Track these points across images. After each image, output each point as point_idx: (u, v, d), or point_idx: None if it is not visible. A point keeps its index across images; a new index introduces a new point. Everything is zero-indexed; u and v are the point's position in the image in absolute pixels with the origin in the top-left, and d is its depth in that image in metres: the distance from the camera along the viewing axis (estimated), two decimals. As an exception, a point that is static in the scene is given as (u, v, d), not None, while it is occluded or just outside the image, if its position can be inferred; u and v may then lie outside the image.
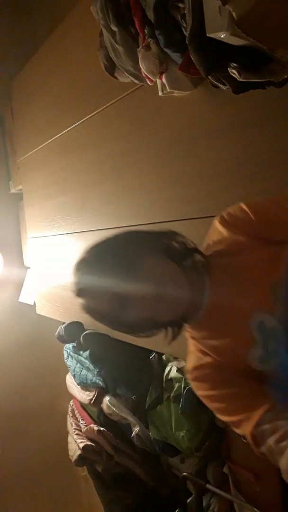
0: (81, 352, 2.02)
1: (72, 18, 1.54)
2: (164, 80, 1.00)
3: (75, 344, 2.02)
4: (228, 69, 0.77)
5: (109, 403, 1.85)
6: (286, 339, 0.70)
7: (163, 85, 1.03)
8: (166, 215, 1.24)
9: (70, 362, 2.14)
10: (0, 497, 2.44)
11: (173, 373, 1.52)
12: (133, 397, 1.73)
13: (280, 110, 0.89)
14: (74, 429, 2.08)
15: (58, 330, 1.90)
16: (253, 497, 1.20)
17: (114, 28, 1.01)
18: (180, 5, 0.81)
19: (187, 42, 0.76)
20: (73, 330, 1.87)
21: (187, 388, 1.40)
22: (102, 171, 1.52)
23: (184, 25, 0.82)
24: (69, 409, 2.25)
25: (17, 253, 2.58)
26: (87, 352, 1.96)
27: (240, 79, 0.76)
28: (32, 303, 2.32)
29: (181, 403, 1.40)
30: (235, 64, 0.75)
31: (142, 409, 1.66)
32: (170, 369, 1.55)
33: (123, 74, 1.12)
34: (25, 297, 2.44)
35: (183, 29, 0.83)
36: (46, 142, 1.89)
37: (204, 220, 1.08)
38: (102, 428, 1.91)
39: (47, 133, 1.86)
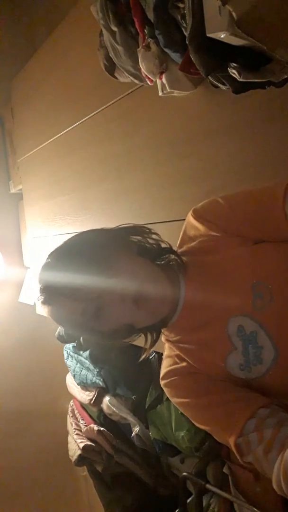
0: (81, 352, 2.02)
1: (72, 18, 1.54)
2: (164, 80, 1.00)
3: (75, 344, 2.02)
4: (228, 69, 0.77)
5: (109, 403, 1.85)
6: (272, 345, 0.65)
7: (163, 85, 1.03)
8: (166, 215, 1.24)
9: (70, 362, 2.14)
10: (0, 497, 2.44)
11: (173, 373, 1.52)
12: (133, 397, 1.73)
13: (280, 110, 0.89)
14: (74, 429, 2.08)
15: (58, 330, 1.90)
16: (253, 497, 1.20)
17: (114, 28, 1.01)
18: (180, 5, 0.81)
19: (187, 42, 0.76)
20: (73, 330, 1.87)
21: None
22: (102, 171, 1.52)
23: (184, 25, 0.82)
24: (69, 409, 2.25)
25: (17, 253, 2.58)
26: (87, 352, 1.96)
27: (240, 79, 0.76)
28: (32, 303, 2.32)
29: (181, 403, 1.40)
30: (235, 64, 0.75)
31: (142, 409, 1.66)
32: (170, 369, 1.55)
33: (123, 74, 1.12)
34: (25, 297, 2.44)
35: (183, 29, 0.83)
36: (46, 142, 1.89)
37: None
38: (102, 428, 1.91)
39: (47, 133, 1.86)
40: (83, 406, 2.16)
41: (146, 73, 0.99)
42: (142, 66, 0.98)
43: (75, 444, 1.98)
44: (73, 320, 0.67)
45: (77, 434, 2.04)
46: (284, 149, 0.89)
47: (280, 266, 0.67)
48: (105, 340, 0.75)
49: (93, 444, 1.90)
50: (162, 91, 1.05)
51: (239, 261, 0.69)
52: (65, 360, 2.20)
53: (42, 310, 0.69)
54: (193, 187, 1.14)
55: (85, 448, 1.90)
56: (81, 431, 2.05)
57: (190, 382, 0.70)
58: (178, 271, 0.72)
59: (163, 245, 0.76)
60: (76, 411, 2.19)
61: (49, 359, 2.49)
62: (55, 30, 1.67)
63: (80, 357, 2.07)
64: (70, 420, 2.18)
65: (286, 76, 0.76)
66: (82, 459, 1.94)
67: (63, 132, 1.73)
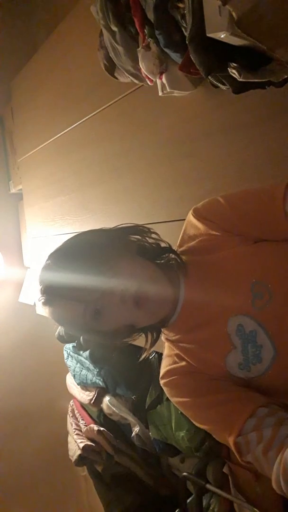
0: (81, 352, 2.02)
1: (72, 18, 1.54)
2: (164, 80, 1.00)
3: (75, 344, 2.02)
4: (228, 69, 0.77)
5: (109, 403, 1.85)
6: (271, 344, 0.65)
7: (163, 85, 1.03)
8: (166, 215, 1.24)
9: (70, 362, 2.15)
10: (0, 497, 2.44)
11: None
12: (133, 397, 1.73)
13: (280, 110, 0.89)
14: (74, 429, 2.08)
15: (58, 330, 1.90)
16: (253, 497, 1.20)
17: (114, 28, 1.01)
18: (180, 5, 0.81)
19: (187, 42, 0.76)
20: (73, 330, 1.87)
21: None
22: (102, 171, 1.52)
23: (184, 25, 0.82)
24: (69, 409, 2.25)
25: (17, 253, 2.58)
26: (87, 352, 1.96)
27: (240, 79, 0.76)
28: (32, 303, 2.32)
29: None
30: (235, 64, 0.75)
31: (142, 409, 1.66)
32: (170, 369, 1.55)
33: (123, 74, 1.12)
34: (25, 297, 2.44)
35: (183, 29, 0.83)
36: (46, 142, 1.89)
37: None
38: (102, 428, 1.91)
39: (47, 133, 1.86)
40: (83, 406, 2.16)
41: (146, 73, 0.99)
42: (142, 66, 0.98)
43: (75, 444, 1.98)
44: (74, 321, 0.67)
45: (77, 434, 2.04)
46: (284, 149, 0.89)
47: (280, 265, 0.67)
48: (105, 340, 0.75)
49: (93, 444, 1.90)
50: (162, 91, 1.05)
51: (239, 260, 0.69)
52: (65, 360, 2.20)
53: (43, 311, 0.69)
54: (193, 187, 1.14)
55: (85, 448, 1.91)
56: (81, 431, 2.05)
57: (190, 382, 0.70)
58: (177, 271, 0.72)
59: (162, 245, 0.76)
60: (76, 411, 2.19)
61: (49, 359, 2.49)
62: (55, 30, 1.67)
63: (80, 357, 2.07)
64: (70, 420, 2.18)
65: (286, 76, 0.76)
66: (82, 459, 1.94)
67: (63, 132, 1.73)
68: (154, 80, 1.02)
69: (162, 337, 0.77)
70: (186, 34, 0.78)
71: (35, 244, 2.21)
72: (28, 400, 2.49)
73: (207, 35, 0.69)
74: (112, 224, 0.77)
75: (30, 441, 2.49)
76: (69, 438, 2.10)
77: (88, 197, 1.63)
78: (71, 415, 2.20)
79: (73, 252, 0.69)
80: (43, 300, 0.68)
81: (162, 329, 0.75)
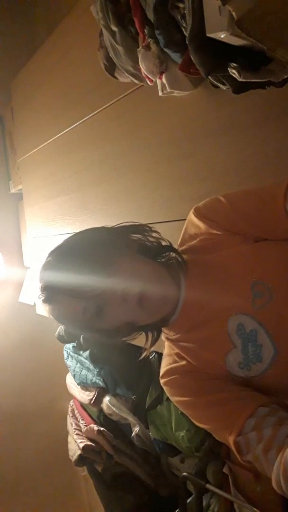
0: (81, 352, 2.02)
1: (72, 18, 1.54)
2: (164, 80, 1.00)
3: (75, 344, 2.02)
4: (228, 69, 0.77)
5: (109, 403, 1.85)
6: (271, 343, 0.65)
7: (163, 85, 1.03)
8: (166, 215, 1.24)
9: (70, 362, 2.15)
10: (0, 497, 2.44)
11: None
12: (133, 397, 1.73)
13: (280, 110, 0.89)
14: (74, 429, 2.08)
15: (58, 330, 1.90)
16: (253, 497, 1.20)
17: (114, 28, 1.01)
18: (180, 5, 0.81)
19: (187, 42, 0.76)
20: (73, 330, 1.87)
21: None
22: (102, 171, 1.52)
23: (184, 25, 0.82)
24: (69, 409, 2.25)
25: (17, 253, 2.58)
26: (87, 352, 1.96)
27: (240, 79, 0.76)
28: (32, 303, 2.32)
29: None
30: (235, 64, 0.75)
31: (142, 409, 1.66)
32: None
33: (123, 74, 1.12)
34: (25, 297, 2.44)
35: (183, 29, 0.83)
36: (46, 142, 1.89)
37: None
38: (102, 428, 1.91)
39: (47, 133, 1.86)
40: (83, 406, 2.16)
41: (146, 73, 0.99)
42: (142, 66, 0.98)
43: (75, 444, 1.98)
44: (74, 319, 0.67)
45: (77, 434, 2.04)
46: (284, 149, 0.89)
47: (281, 265, 0.67)
48: (105, 339, 0.75)
49: (93, 444, 1.90)
50: (162, 91, 1.05)
51: (239, 259, 0.69)
52: (65, 360, 2.20)
53: (43, 309, 0.69)
54: (193, 187, 1.14)
55: (85, 448, 1.91)
56: (81, 431, 2.05)
57: (190, 381, 0.70)
58: (178, 270, 0.72)
59: (163, 244, 0.76)
60: (76, 411, 2.19)
61: (49, 359, 2.49)
62: (55, 30, 1.67)
63: (80, 357, 2.07)
64: (70, 420, 2.18)
65: (286, 76, 0.76)
66: (82, 459, 1.94)
67: (63, 132, 1.73)
68: (154, 80, 1.02)
69: (162, 337, 0.77)
70: (186, 34, 0.78)
71: (35, 244, 2.21)
72: (28, 400, 2.49)
73: (207, 35, 0.69)
74: (112, 224, 0.77)
75: (30, 441, 2.49)
76: (69, 438, 2.10)
77: (88, 197, 1.63)
78: (71, 415, 2.20)
79: (74, 250, 0.69)
80: (43, 298, 0.68)
81: (162, 328, 0.75)
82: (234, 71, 0.76)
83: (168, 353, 0.76)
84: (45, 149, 1.93)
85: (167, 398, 1.52)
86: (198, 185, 1.12)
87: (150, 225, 0.78)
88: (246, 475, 1.21)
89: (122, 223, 0.77)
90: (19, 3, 2.43)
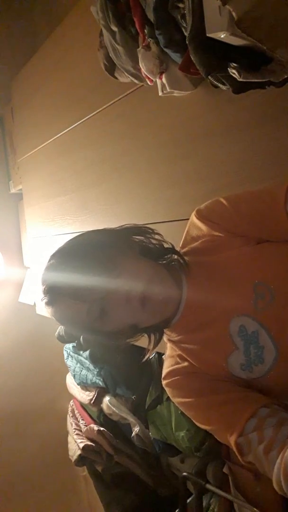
0: (81, 352, 2.02)
1: (72, 18, 1.54)
2: (164, 80, 1.00)
3: (75, 344, 2.02)
4: (228, 69, 0.77)
5: (109, 403, 1.85)
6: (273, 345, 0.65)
7: (163, 85, 1.03)
8: (166, 215, 1.24)
9: (70, 362, 2.15)
10: (0, 497, 2.44)
11: (173, 373, 1.52)
12: (133, 397, 1.73)
13: (280, 110, 0.89)
14: (74, 429, 2.08)
15: (58, 330, 1.90)
16: (253, 497, 1.20)
17: (114, 28, 1.01)
18: (180, 5, 0.81)
19: (187, 42, 0.76)
20: (73, 330, 1.87)
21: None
22: (102, 171, 1.52)
23: (184, 25, 0.82)
24: (69, 409, 2.25)
25: (17, 253, 2.58)
26: (87, 352, 1.96)
27: (240, 79, 0.76)
28: (32, 303, 2.32)
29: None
30: (235, 64, 0.75)
31: (142, 409, 1.66)
32: (170, 369, 1.54)
33: (123, 74, 1.12)
34: (25, 297, 2.44)
35: (183, 29, 0.83)
36: (46, 142, 1.89)
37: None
38: (102, 428, 1.91)
39: (47, 133, 1.86)
40: (83, 406, 2.16)
41: (146, 73, 0.99)
42: (142, 66, 0.98)
43: (75, 444, 1.98)
44: (78, 321, 0.67)
45: (77, 434, 2.04)
46: (284, 149, 0.89)
47: (282, 266, 0.67)
48: (108, 340, 0.75)
49: (93, 444, 1.90)
50: (162, 91, 1.05)
51: (241, 261, 0.69)
52: (65, 360, 2.20)
53: (46, 311, 0.69)
54: (193, 187, 1.14)
55: (85, 448, 1.90)
56: (81, 431, 2.05)
57: (192, 382, 0.70)
58: (180, 271, 0.72)
59: (165, 246, 0.76)
60: (76, 411, 2.19)
61: (49, 359, 2.49)
62: (55, 30, 1.67)
63: (80, 357, 2.07)
64: (70, 420, 2.18)
65: (286, 76, 0.76)
66: (82, 459, 1.94)
67: (63, 132, 1.73)
68: (154, 80, 1.02)
69: (164, 338, 0.77)
70: (186, 34, 0.78)
71: (35, 244, 2.21)
72: (28, 400, 2.49)
73: (207, 35, 0.69)
74: (112, 224, 0.77)
75: (30, 441, 2.50)
76: (69, 438, 2.10)
77: (88, 197, 1.63)
78: (71, 415, 2.20)
79: (77, 252, 0.69)
80: (46, 300, 0.68)
81: (165, 330, 0.75)
82: (234, 71, 0.76)
83: (170, 355, 0.76)
84: (45, 149, 1.93)
85: (167, 398, 1.52)
86: (198, 185, 1.12)
87: (151, 226, 0.78)
88: (246, 475, 1.21)
89: (124, 224, 0.77)
90: (19, 3, 2.43)
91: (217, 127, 1.03)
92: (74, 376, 2.08)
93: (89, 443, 1.92)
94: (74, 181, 1.72)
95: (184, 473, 1.33)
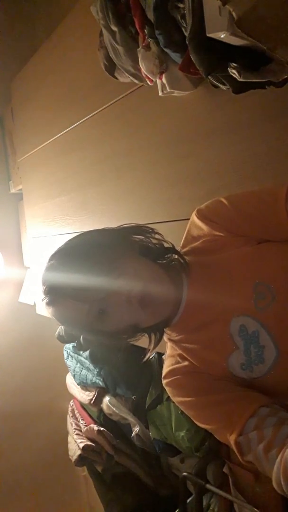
0: (81, 352, 2.02)
1: (72, 18, 1.54)
2: (164, 80, 1.00)
3: (75, 344, 2.02)
4: (228, 69, 0.77)
5: (109, 403, 1.85)
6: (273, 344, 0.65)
7: (163, 85, 1.03)
8: (166, 215, 1.24)
9: (70, 362, 2.15)
10: (0, 497, 2.44)
11: (173, 373, 1.52)
12: (133, 397, 1.73)
13: (280, 110, 0.89)
14: (74, 429, 2.08)
15: (58, 330, 1.90)
16: (253, 497, 1.20)
17: (114, 28, 1.01)
18: (180, 5, 0.81)
19: (187, 42, 0.76)
20: (73, 330, 1.87)
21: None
22: (102, 171, 1.52)
23: (184, 25, 0.82)
24: (69, 409, 2.25)
25: (17, 253, 2.58)
26: (87, 352, 1.96)
27: (240, 79, 0.76)
28: (32, 303, 2.32)
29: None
30: (235, 64, 0.75)
31: (142, 409, 1.66)
32: (170, 369, 1.54)
33: (123, 74, 1.12)
34: (25, 297, 2.44)
35: (183, 29, 0.83)
36: (46, 142, 1.89)
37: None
38: (102, 428, 1.91)
39: (47, 133, 1.86)
40: (83, 406, 2.16)
41: (146, 73, 0.99)
42: (142, 66, 0.98)
43: (75, 444, 1.98)
44: (78, 321, 0.67)
45: (77, 434, 2.04)
46: (284, 149, 0.89)
47: (283, 266, 0.67)
48: (108, 341, 0.75)
49: (93, 444, 1.90)
50: (162, 91, 1.05)
51: (242, 261, 0.69)
52: (65, 360, 2.20)
53: (46, 311, 0.69)
54: (193, 187, 1.14)
55: (85, 448, 1.91)
56: (81, 431, 2.05)
57: (192, 381, 0.70)
58: (180, 271, 0.72)
59: (166, 245, 0.76)
60: (76, 411, 2.19)
61: (49, 359, 2.49)
62: (55, 30, 1.67)
63: (80, 357, 2.07)
64: (70, 420, 2.18)
65: (286, 76, 0.76)
66: (82, 459, 1.94)
67: (63, 132, 1.73)
68: (154, 80, 1.02)
69: (165, 337, 0.77)
70: (186, 34, 0.78)
71: (35, 244, 2.21)
72: (28, 400, 2.49)
73: (207, 35, 0.69)
74: (112, 224, 0.77)
75: (30, 441, 2.50)
76: (69, 438, 2.10)
77: (88, 197, 1.63)
78: (71, 415, 2.20)
79: (77, 252, 0.69)
80: (46, 300, 0.68)
81: (165, 329, 0.75)
82: (234, 71, 0.76)
83: (170, 354, 0.76)
84: (45, 149, 1.93)
85: (167, 398, 1.52)
86: (198, 185, 1.12)
87: (151, 226, 0.78)
88: (246, 475, 1.21)
89: (124, 224, 0.77)
90: (19, 3, 2.43)
91: (217, 127, 1.03)
92: (74, 376, 2.08)
93: (89, 443, 1.92)
94: (74, 181, 1.72)
95: (184, 473, 1.33)
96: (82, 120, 1.57)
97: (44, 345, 2.41)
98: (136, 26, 0.95)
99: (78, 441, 1.97)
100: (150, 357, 1.61)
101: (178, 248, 0.77)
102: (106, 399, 1.89)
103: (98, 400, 1.93)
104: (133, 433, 1.71)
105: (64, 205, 1.82)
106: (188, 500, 1.37)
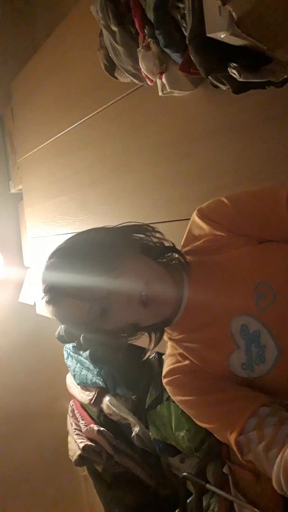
0: (81, 352, 2.02)
1: (72, 18, 1.54)
2: (164, 80, 1.00)
3: (75, 344, 2.02)
4: (228, 69, 0.77)
5: (109, 403, 1.85)
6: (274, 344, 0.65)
7: (163, 85, 1.03)
8: (166, 215, 1.24)
9: (70, 362, 2.14)
10: (0, 497, 2.44)
11: (173, 373, 1.52)
12: (133, 397, 1.73)
13: (280, 110, 0.89)
14: (74, 429, 2.08)
15: (58, 330, 1.90)
16: (253, 497, 1.20)
17: (114, 28, 1.01)
18: (180, 5, 0.81)
19: (187, 42, 0.76)
20: (73, 330, 1.87)
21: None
22: (102, 171, 1.52)
23: (184, 25, 0.82)
24: (69, 409, 2.25)
25: (17, 253, 2.58)
26: (87, 352, 1.96)
27: (240, 79, 0.76)
28: (32, 303, 2.32)
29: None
30: (235, 64, 0.75)
31: (142, 409, 1.66)
32: (170, 369, 1.54)
33: (123, 74, 1.12)
34: (25, 297, 2.44)
35: (183, 29, 0.83)
36: (46, 142, 1.89)
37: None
38: (102, 428, 1.91)
39: (47, 133, 1.86)
40: (83, 406, 2.16)
41: (146, 73, 0.99)
42: (142, 66, 0.98)
43: (75, 444, 1.98)
44: (78, 320, 0.67)
45: (77, 434, 2.04)
46: (284, 149, 0.89)
47: (284, 266, 0.67)
48: (109, 339, 0.75)
49: (93, 444, 1.90)
50: (162, 91, 1.05)
51: (243, 261, 0.69)
52: (65, 360, 2.20)
53: (46, 310, 0.69)
54: (192, 187, 1.14)
55: (85, 448, 1.91)
56: (81, 431, 2.05)
57: (193, 380, 0.70)
58: (181, 270, 0.72)
59: (166, 244, 0.76)
60: (76, 411, 2.19)
61: (49, 359, 2.49)
62: (55, 30, 1.67)
63: (80, 357, 2.07)
64: (70, 420, 2.18)
65: (286, 76, 0.76)
66: (82, 459, 1.94)
67: (63, 132, 1.73)
68: (154, 80, 1.02)
69: (165, 337, 0.77)
70: (186, 34, 0.78)
71: (35, 244, 2.21)
72: (28, 400, 2.49)
73: (207, 35, 0.69)
74: (112, 224, 0.77)
75: (30, 441, 2.50)
76: (69, 438, 2.10)
77: (88, 197, 1.63)
78: (71, 415, 2.20)
79: (77, 251, 0.69)
80: (46, 299, 0.68)
81: (165, 329, 0.75)
82: (234, 71, 0.76)
83: (170, 353, 0.76)
84: (45, 149, 1.93)
85: (167, 397, 1.52)
86: (198, 185, 1.12)
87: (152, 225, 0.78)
88: (246, 475, 1.21)
89: (124, 222, 0.76)
90: (19, 3, 2.43)
91: (217, 127, 1.03)
92: (74, 376, 2.08)
93: (89, 443, 1.92)
94: (74, 181, 1.72)
95: (184, 473, 1.33)
96: (82, 120, 1.57)
97: (44, 345, 2.41)
98: (136, 26, 0.95)
99: (78, 441, 1.97)
100: (150, 357, 1.61)
101: (178, 247, 0.77)
102: (106, 399, 1.89)
103: (98, 400, 1.93)
104: (133, 433, 1.71)
105: (64, 205, 1.82)
106: (188, 500, 1.37)
